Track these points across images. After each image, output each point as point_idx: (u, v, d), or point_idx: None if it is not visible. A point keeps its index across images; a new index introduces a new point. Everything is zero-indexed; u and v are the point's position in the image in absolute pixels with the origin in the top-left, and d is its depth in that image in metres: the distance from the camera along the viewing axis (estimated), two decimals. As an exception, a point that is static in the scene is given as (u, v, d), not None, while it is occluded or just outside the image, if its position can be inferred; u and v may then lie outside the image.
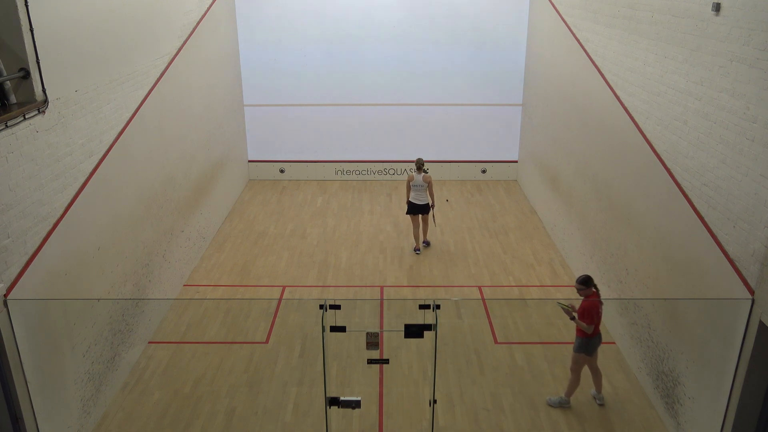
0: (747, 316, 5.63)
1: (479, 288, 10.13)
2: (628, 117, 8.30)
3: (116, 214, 7.72)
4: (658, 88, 7.47)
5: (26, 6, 5.79)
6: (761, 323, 5.48)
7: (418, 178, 11.02)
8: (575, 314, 7.08)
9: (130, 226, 8.13)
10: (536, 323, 9.08)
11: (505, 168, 15.25)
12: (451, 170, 15.24)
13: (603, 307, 7.26)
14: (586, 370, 7.51)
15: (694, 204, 6.57)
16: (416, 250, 11.36)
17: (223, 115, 12.83)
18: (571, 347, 7.38)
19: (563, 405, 7.41)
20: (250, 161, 15.19)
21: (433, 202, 11.21)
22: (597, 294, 7.13)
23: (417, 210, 11.16)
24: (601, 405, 7.44)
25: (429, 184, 11.07)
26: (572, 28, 10.83)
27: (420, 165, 11.05)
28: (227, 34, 13.29)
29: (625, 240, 8.35)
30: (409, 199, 11.15)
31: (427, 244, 11.60)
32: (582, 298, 7.11)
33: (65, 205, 6.52)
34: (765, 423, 5.78)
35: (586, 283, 7.04)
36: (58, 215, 6.39)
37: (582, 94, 10.29)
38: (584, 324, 6.97)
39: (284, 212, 13.26)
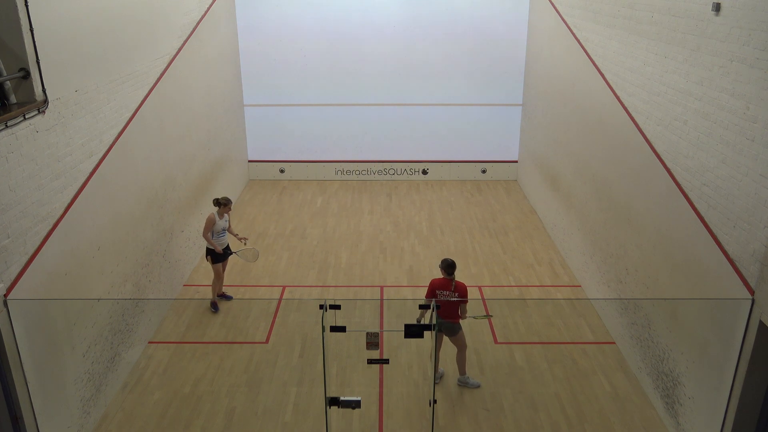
0: (747, 316, 5.63)
1: (479, 288, 10.13)
2: (628, 117, 8.30)
3: (116, 214, 7.71)
4: (658, 88, 7.47)
5: (26, 6, 5.79)
6: (761, 323, 5.48)
7: (221, 221, 8.99)
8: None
9: (130, 226, 8.13)
10: (536, 323, 9.07)
11: (505, 168, 15.25)
12: (451, 170, 15.24)
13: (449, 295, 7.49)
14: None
15: (694, 204, 6.57)
16: (218, 303, 9.35)
17: (223, 115, 12.83)
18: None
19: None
20: (250, 161, 15.19)
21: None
22: (448, 280, 7.38)
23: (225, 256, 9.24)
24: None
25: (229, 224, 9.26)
26: (572, 28, 10.83)
27: (225, 202, 8.99)
28: (227, 34, 13.29)
29: (625, 240, 8.34)
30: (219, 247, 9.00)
31: (228, 298, 9.61)
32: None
33: (65, 205, 6.52)
34: (765, 423, 5.78)
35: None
36: (58, 215, 6.38)
37: (582, 94, 10.29)
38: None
39: (284, 212, 13.26)
